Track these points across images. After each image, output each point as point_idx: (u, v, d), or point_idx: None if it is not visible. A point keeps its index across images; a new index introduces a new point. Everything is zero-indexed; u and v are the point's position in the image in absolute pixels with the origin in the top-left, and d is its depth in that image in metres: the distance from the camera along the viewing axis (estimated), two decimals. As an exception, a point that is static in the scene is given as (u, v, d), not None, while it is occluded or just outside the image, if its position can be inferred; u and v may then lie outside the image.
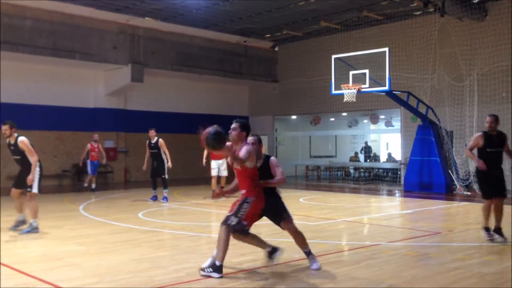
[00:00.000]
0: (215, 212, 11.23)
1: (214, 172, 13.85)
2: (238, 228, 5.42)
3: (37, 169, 8.12)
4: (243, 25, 19.94)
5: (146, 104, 21.31)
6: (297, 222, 9.56)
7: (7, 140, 8.19)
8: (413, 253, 6.74)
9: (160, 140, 13.15)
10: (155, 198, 13.18)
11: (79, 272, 5.68)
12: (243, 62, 22.49)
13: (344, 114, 23.13)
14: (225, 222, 5.45)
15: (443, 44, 16.96)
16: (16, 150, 8.10)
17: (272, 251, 5.76)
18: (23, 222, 8.42)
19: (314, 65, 21.13)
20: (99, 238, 7.80)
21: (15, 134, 8.11)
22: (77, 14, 17.31)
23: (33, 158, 8.02)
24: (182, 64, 20.21)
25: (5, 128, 8.07)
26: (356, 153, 25.10)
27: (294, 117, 24.64)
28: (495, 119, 7.54)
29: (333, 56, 15.46)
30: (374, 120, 23.37)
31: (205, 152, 13.88)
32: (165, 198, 13.03)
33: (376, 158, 24.50)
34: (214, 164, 13.84)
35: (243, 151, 5.38)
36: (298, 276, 5.53)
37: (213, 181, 13.90)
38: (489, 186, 7.48)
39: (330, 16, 18.74)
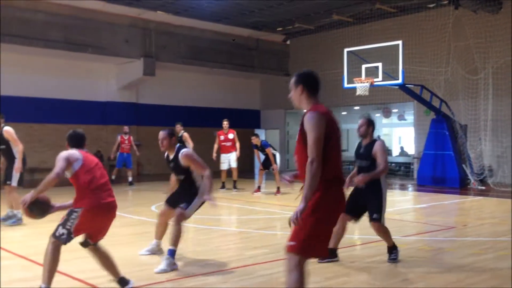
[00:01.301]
0: (226, 205, 11.25)
1: (223, 166, 14.11)
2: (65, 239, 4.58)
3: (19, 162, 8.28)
4: (255, 19, 19.87)
5: (158, 97, 21.36)
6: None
7: None
8: (427, 248, 6.70)
9: (184, 134, 13.62)
10: None
11: (93, 264, 5.70)
12: (255, 56, 22.44)
13: (356, 107, 22.99)
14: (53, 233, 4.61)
15: (457, 37, 16.75)
16: (1, 139, 8.31)
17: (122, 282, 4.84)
18: (14, 215, 8.50)
19: (326, 59, 21.00)
20: (112, 231, 7.74)
21: (2, 125, 8.35)
22: (89, 7, 17.36)
23: (18, 147, 8.28)
24: (194, 57, 20.21)
25: None
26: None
27: (305, 111, 24.55)
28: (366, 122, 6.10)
29: (346, 50, 15.36)
30: (387, 113, 23.24)
31: (215, 146, 14.10)
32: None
33: (388, 152, 24.38)
34: (223, 157, 14.07)
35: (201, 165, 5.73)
36: (311, 270, 5.52)
37: (223, 174, 14.19)
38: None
39: (343, 9, 18.59)
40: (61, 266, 5.51)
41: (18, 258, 6.01)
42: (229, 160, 14.09)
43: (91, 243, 4.74)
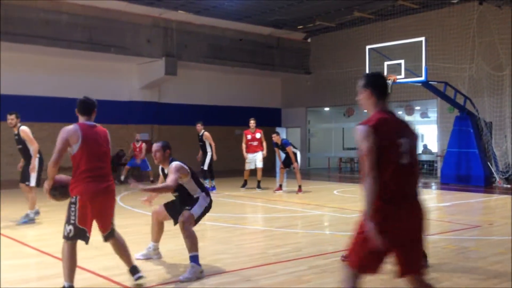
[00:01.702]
0: (248, 203, 11.27)
1: (248, 166, 14.11)
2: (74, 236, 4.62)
3: (37, 162, 8.46)
4: (275, 17, 19.85)
5: (180, 97, 21.50)
6: (331, 214, 9.56)
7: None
8: (452, 247, 6.60)
9: (206, 133, 13.70)
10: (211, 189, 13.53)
11: (118, 261, 5.78)
12: (276, 54, 22.41)
13: (378, 105, 22.79)
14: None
15: (482, 32, 16.47)
16: (18, 139, 8.52)
17: (133, 271, 4.89)
18: (37, 213, 8.70)
19: (347, 56, 20.87)
20: (136, 229, 7.93)
21: (19, 124, 8.54)
22: (112, 8, 17.57)
23: (33, 146, 8.45)
24: (215, 56, 20.29)
25: (12, 117, 8.56)
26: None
27: (327, 108, 24.45)
28: None
29: (368, 47, 15.22)
30: (409, 111, 22.94)
31: (243, 145, 14.01)
32: (213, 188, 13.54)
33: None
34: (249, 157, 14.02)
35: (171, 178, 5.23)
36: (334, 269, 5.49)
37: (246, 173, 14.18)
38: None
39: (364, 6, 18.45)
40: (85, 263, 5.61)
41: (44, 256, 6.11)
42: (256, 159, 14.01)
43: (87, 237, 4.64)
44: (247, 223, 8.57)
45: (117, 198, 12.01)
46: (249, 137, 14.11)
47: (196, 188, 5.64)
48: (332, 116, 25.05)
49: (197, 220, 5.55)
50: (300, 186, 13.09)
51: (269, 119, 23.29)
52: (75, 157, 4.54)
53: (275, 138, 13.25)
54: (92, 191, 4.50)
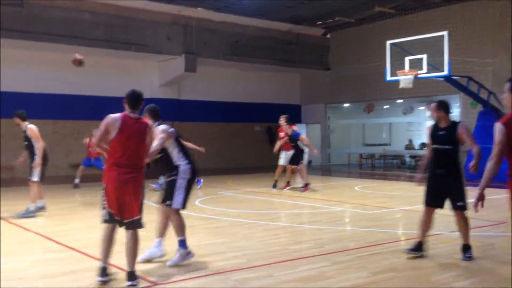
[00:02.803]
0: (269, 200, 11.27)
1: (281, 162, 13.42)
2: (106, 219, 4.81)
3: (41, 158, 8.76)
4: (294, 13, 19.76)
5: (199, 93, 21.60)
6: (353, 210, 9.52)
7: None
8: (477, 243, 6.51)
9: (302, 136, 12.91)
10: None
11: (142, 256, 5.85)
12: (295, 50, 22.34)
13: (399, 101, 22.57)
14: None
15: (505, 26, 16.17)
16: (25, 136, 8.84)
17: (130, 276, 4.76)
18: (42, 208, 9.06)
19: (367, 52, 20.69)
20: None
21: (26, 123, 8.85)
22: (132, 6, 17.71)
23: (38, 144, 8.75)
24: (234, 53, 20.31)
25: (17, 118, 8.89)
26: (410, 141, 24.50)
27: (346, 105, 24.30)
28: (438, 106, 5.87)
29: (388, 42, 15.08)
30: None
31: (278, 143, 13.37)
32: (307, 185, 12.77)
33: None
34: (283, 154, 13.47)
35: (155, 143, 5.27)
36: (357, 265, 5.47)
37: (279, 170, 13.41)
38: (427, 192, 5.88)
39: (384, 0, 18.25)
40: (112, 259, 5.68)
41: (70, 251, 6.21)
42: (289, 157, 13.12)
43: (118, 220, 4.77)
44: (269, 219, 8.57)
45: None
46: (282, 134, 13.28)
47: (178, 157, 5.64)
48: (352, 112, 24.89)
49: (184, 204, 5.60)
50: (306, 184, 12.60)
51: (288, 115, 23.22)
52: (110, 144, 4.78)
53: (284, 127, 12.74)
54: (114, 180, 4.69)
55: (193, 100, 21.41)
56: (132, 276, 4.68)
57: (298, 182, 13.86)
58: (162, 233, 5.78)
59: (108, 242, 4.80)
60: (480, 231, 7.40)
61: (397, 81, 14.36)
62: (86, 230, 7.59)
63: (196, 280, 4.91)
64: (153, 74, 20.28)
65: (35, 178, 8.81)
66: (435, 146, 5.86)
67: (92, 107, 18.92)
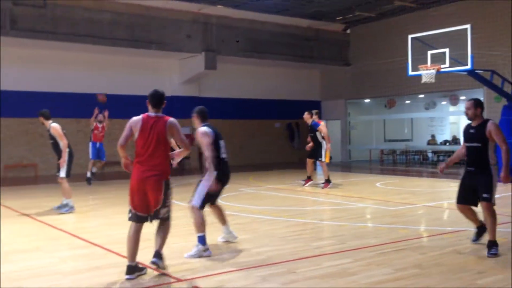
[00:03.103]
0: (291, 196, 11.26)
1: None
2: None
3: (67, 154, 8.99)
4: (314, 9, 19.66)
5: (219, 91, 21.67)
6: (375, 206, 9.45)
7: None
8: (503, 240, 6.41)
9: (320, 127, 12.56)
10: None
11: (166, 252, 5.87)
12: (314, 46, 22.22)
13: (421, 96, 22.31)
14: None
15: (530, 18, 15.84)
16: (50, 135, 9.06)
17: (156, 254, 5.09)
18: (66, 205, 9.20)
19: (388, 47, 20.49)
20: (183, 221, 8.05)
21: (50, 121, 9.04)
22: (152, 5, 17.84)
23: (62, 142, 8.94)
24: (254, 50, 20.31)
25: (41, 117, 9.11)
26: (433, 136, 24.21)
27: (367, 100, 24.10)
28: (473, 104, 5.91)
29: (410, 36, 14.89)
30: (454, 101, 22.36)
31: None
32: (329, 182, 12.49)
33: (456, 141, 23.50)
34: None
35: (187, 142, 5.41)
36: (380, 261, 5.43)
37: (309, 166, 13.11)
38: (459, 189, 6.11)
39: (405, -6, 18.05)
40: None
41: (93, 247, 6.30)
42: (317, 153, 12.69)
43: (142, 216, 4.99)
44: (290, 215, 8.57)
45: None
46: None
47: (209, 161, 5.88)
48: (372, 108, 24.68)
49: (204, 202, 5.96)
50: (327, 180, 12.45)
51: (315, 111, 23.15)
52: (135, 144, 5.04)
53: (305, 117, 12.53)
54: (136, 178, 4.95)
55: (213, 98, 21.49)
56: (158, 254, 5.03)
57: (320, 178, 13.82)
58: (223, 221, 6.42)
59: (133, 241, 4.94)
60: (504, 227, 7.29)
61: (419, 76, 14.18)
62: (110, 227, 7.70)
63: (218, 276, 4.94)
64: (174, 72, 20.42)
65: (62, 174, 9.06)
66: (466, 144, 6.02)
67: (114, 106, 19.14)
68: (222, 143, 6.14)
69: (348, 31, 23.07)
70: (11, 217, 8.67)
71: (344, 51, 23.10)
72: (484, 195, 5.77)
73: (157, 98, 5.15)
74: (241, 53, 20.03)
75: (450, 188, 13.27)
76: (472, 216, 6.15)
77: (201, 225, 5.79)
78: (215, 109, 21.42)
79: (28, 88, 17.30)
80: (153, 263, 4.98)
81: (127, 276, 4.84)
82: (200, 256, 5.64)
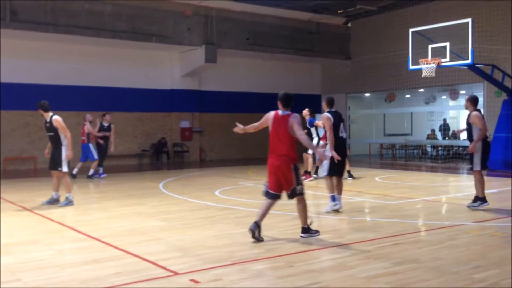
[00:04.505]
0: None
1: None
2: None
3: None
4: (315, 2, 19.59)
5: (220, 84, 21.64)
6: (374, 201, 9.46)
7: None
8: (501, 234, 6.43)
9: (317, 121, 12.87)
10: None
11: (164, 246, 5.93)
12: (315, 40, 22.17)
13: (421, 90, 22.27)
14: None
15: (531, 12, 15.78)
16: (50, 127, 8.91)
17: (304, 230, 6.34)
18: (56, 200, 9.16)
19: (389, 40, 20.44)
20: (180, 215, 8.10)
21: (50, 113, 8.91)
22: (153, -3, 17.79)
23: (66, 135, 8.88)
24: (254, 43, 20.26)
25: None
26: (433, 131, 24.18)
27: (367, 94, 24.07)
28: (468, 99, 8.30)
29: (411, 30, 14.85)
30: (454, 95, 22.32)
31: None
32: (351, 176, 12.90)
33: (455, 135, 23.50)
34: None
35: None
36: (378, 255, 5.44)
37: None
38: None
39: (407, -12, 17.97)
40: (132, 248, 5.78)
41: (92, 240, 6.31)
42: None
43: (276, 194, 6.22)
44: (289, 209, 8.58)
45: (160, 185, 12.26)
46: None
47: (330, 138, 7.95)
48: (373, 102, 24.64)
49: (329, 171, 8.08)
50: (305, 171, 12.61)
51: (309, 105, 23.07)
52: (269, 136, 6.19)
53: (305, 113, 12.77)
54: (270, 165, 6.14)
55: (213, 91, 21.47)
56: (305, 230, 6.26)
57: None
58: (338, 191, 8.09)
59: (267, 209, 6.17)
60: (503, 221, 7.30)
61: (419, 70, 14.16)
62: (108, 221, 7.71)
63: (216, 270, 4.95)
64: (174, 65, 20.39)
65: (65, 169, 8.96)
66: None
67: (117, 99, 19.15)
68: (342, 125, 8.15)
69: (349, 24, 23.01)
70: (10, 210, 8.68)
71: (345, 44, 23.04)
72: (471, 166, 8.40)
73: (287, 99, 6.22)
74: (241, 46, 19.98)
75: (449, 182, 13.29)
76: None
77: (331, 188, 7.97)
78: (215, 103, 21.43)
79: (28, 80, 17.28)
80: (302, 237, 6.21)
81: (251, 228, 6.05)
82: (331, 210, 7.94)
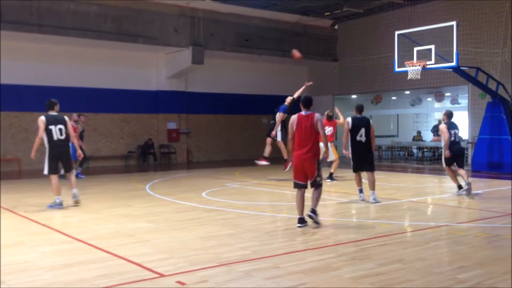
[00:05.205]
0: (276, 192, 11.29)
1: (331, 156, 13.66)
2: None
3: (47, 151, 8.81)
4: (302, 4, 19.66)
5: (207, 85, 21.61)
6: (360, 202, 9.50)
7: None
8: (484, 235, 6.51)
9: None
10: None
11: (150, 248, 5.91)
12: (302, 42, 22.23)
13: (407, 92, 22.44)
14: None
15: (515, 16, 15.99)
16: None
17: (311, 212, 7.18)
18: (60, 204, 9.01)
19: (375, 43, 20.57)
20: (166, 216, 8.07)
21: (43, 113, 9.09)
22: (139, -2, 17.72)
23: (37, 136, 8.85)
24: (242, 45, 20.27)
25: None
26: (419, 132, 24.37)
27: (354, 96, 24.18)
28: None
29: (397, 32, 14.96)
30: (439, 98, 22.52)
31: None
32: (330, 178, 13.24)
33: (440, 136, 23.73)
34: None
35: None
36: (364, 256, 5.48)
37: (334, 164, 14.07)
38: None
39: (393, -9, 18.11)
40: (118, 250, 5.75)
41: (77, 242, 6.26)
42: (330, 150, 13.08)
43: (304, 184, 7.10)
44: (275, 211, 8.60)
45: (146, 187, 12.20)
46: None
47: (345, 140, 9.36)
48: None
49: (354, 168, 9.44)
50: (285, 160, 12.82)
51: (296, 107, 23.16)
52: (294, 134, 7.07)
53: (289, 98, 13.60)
54: (297, 158, 7.06)
55: (200, 92, 21.44)
56: (313, 211, 7.09)
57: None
58: (370, 186, 9.26)
59: (301, 201, 7.05)
60: (487, 222, 7.39)
61: (405, 72, 14.27)
62: (94, 222, 7.65)
63: (202, 271, 4.94)
64: (160, 67, 20.32)
65: (45, 171, 8.86)
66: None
67: (102, 100, 19.04)
68: (363, 130, 9.06)
69: (336, 27, 23.12)
70: (-6, 212, 8.58)
71: (332, 46, 23.15)
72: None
73: (307, 101, 7.17)
74: (228, 48, 19.98)
75: (434, 183, 13.41)
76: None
77: (357, 182, 9.55)
78: (201, 104, 21.40)
79: (13, 81, 17.05)
80: (309, 216, 7.04)
81: (298, 225, 6.95)
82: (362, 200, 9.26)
